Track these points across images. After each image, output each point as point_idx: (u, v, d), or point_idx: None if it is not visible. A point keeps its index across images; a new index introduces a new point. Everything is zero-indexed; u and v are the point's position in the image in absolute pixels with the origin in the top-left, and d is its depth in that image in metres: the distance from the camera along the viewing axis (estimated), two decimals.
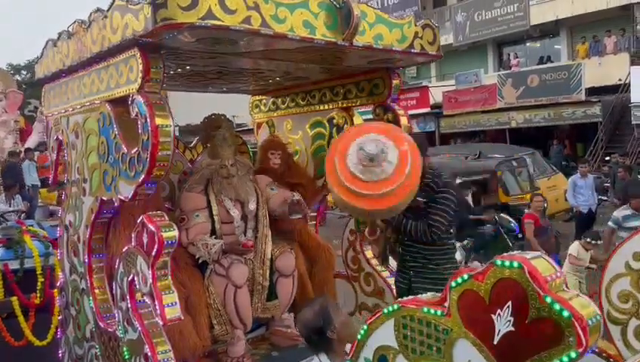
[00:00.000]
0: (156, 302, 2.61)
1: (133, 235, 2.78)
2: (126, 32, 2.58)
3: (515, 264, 1.25)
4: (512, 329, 1.26)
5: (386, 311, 1.56)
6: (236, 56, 3.05)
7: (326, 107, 4.00)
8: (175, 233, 2.64)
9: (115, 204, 2.94)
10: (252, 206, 3.69)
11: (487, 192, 10.83)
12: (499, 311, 1.28)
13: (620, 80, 18.18)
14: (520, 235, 7.66)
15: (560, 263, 6.12)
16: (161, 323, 2.61)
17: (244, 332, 3.53)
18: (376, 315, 1.60)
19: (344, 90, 3.85)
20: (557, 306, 1.18)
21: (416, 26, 3.16)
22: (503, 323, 1.27)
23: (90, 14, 2.89)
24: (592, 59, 19.41)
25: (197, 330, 3.32)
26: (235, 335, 3.47)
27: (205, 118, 3.90)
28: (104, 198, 3.04)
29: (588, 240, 6.20)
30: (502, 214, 8.35)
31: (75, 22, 3.07)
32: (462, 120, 21.25)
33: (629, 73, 17.42)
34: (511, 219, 8.26)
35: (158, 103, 2.62)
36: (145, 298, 2.72)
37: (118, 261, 2.92)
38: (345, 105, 3.87)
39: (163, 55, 2.69)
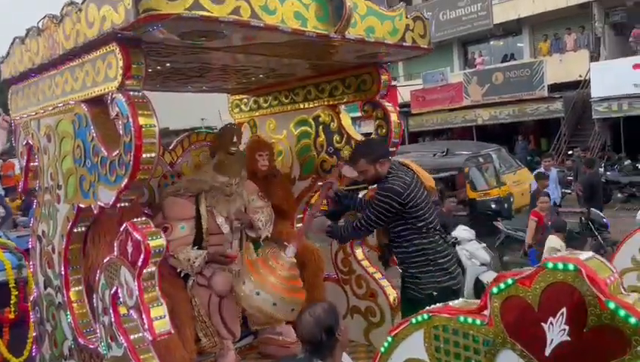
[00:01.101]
0: (144, 316, 2.43)
1: (115, 244, 2.58)
2: (103, 26, 2.39)
3: (571, 266, 1.13)
4: (568, 338, 1.15)
5: (414, 320, 1.43)
6: (221, 51, 2.89)
7: (311, 105, 3.86)
8: (163, 241, 2.46)
9: (95, 212, 2.73)
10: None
11: (456, 188, 10.92)
12: (550, 318, 1.17)
13: (580, 76, 18.58)
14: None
15: None
16: (150, 337, 2.43)
17: (232, 341, 3.36)
18: (403, 325, 1.47)
19: (330, 86, 3.72)
20: (622, 312, 1.07)
21: (407, 18, 3.05)
22: (556, 332, 1.16)
23: (63, 8, 2.67)
24: (553, 57, 19.79)
25: (183, 343, 3.13)
26: (224, 346, 3.30)
27: (222, 129, 3.73)
28: (82, 205, 2.83)
29: (560, 233, 6.12)
30: (593, 209, 8.21)
31: (45, 17, 2.85)
32: (430, 118, 21.39)
33: (589, 69, 17.82)
34: (602, 215, 8.13)
35: (141, 102, 2.44)
36: (131, 311, 2.53)
37: (98, 272, 2.72)
38: (331, 102, 3.74)
39: (144, 50, 2.50)
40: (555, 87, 18.95)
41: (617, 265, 2.53)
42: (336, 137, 3.73)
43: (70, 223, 2.95)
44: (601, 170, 13.39)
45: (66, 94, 2.86)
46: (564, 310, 1.15)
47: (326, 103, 3.76)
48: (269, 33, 2.51)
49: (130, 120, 2.38)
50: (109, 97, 2.50)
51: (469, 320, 1.31)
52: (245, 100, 4.36)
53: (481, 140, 16.91)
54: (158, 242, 2.43)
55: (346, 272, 3.88)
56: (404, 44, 3.02)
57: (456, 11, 22.44)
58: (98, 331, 2.79)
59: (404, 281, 3.21)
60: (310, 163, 3.92)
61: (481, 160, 11.33)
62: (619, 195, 12.53)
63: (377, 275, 3.72)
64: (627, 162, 15.41)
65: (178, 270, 3.26)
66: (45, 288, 3.29)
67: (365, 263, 3.78)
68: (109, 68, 2.49)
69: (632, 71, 16.61)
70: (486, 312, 1.28)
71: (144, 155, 2.39)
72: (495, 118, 20.08)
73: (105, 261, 2.66)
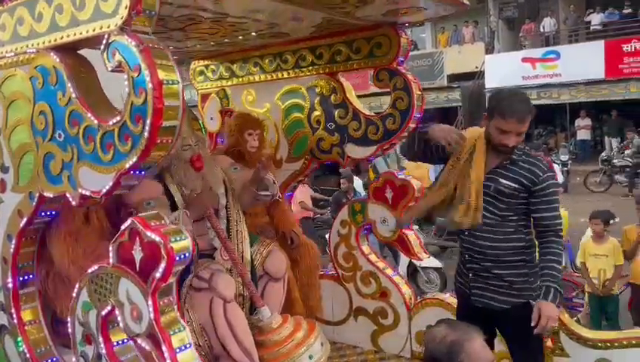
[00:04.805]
0: (163, 347, 1.76)
1: (111, 248, 1.86)
2: None
3: None
4: None
5: None
6: None
7: (305, 73, 3.26)
8: (188, 242, 1.79)
9: (74, 203, 1.96)
10: (222, 200, 2.87)
11: (360, 173, 11.17)
12: None
13: (476, 67, 19.42)
14: None
15: None
16: None
17: None
18: None
19: (331, 51, 3.15)
20: None
21: None
22: None
23: None
24: (452, 48, 20.53)
25: None
26: None
27: None
28: (47, 195, 2.04)
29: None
30: None
31: None
32: None
33: (484, 61, 18.67)
34: None
35: (157, 48, 1.74)
36: (138, 341, 1.83)
37: (78, 286, 1.98)
38: (334, 69, 3.17)
39: None
40: (453, 77, 19.69)
41: None
42: (339, 111, 3.18)
43: (24, 219, 2.14)
44: None
45: (20, 40, 2.05)
46: None
47: (327, 71, 3.18)
48: None
49: (145, 72, 1.68)
50: (105, 41, 1.77)
51: None
52: (213, 67, 3.65)
53: None
54: (184, 244, 1.77)
55: (348, 269, 3.33)
56: None
57: None
58: None
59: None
60: (303, 142, 3.34)
61: None
62: None
63: (389, 271, 3.23)
64: None
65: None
66: None
67: (373, 258, 3.27)
68: None
69: (521, 64, 17.80)
70: None
71: (164, 123, 1.71)
72: None
73: (91, 271, 1.93)
